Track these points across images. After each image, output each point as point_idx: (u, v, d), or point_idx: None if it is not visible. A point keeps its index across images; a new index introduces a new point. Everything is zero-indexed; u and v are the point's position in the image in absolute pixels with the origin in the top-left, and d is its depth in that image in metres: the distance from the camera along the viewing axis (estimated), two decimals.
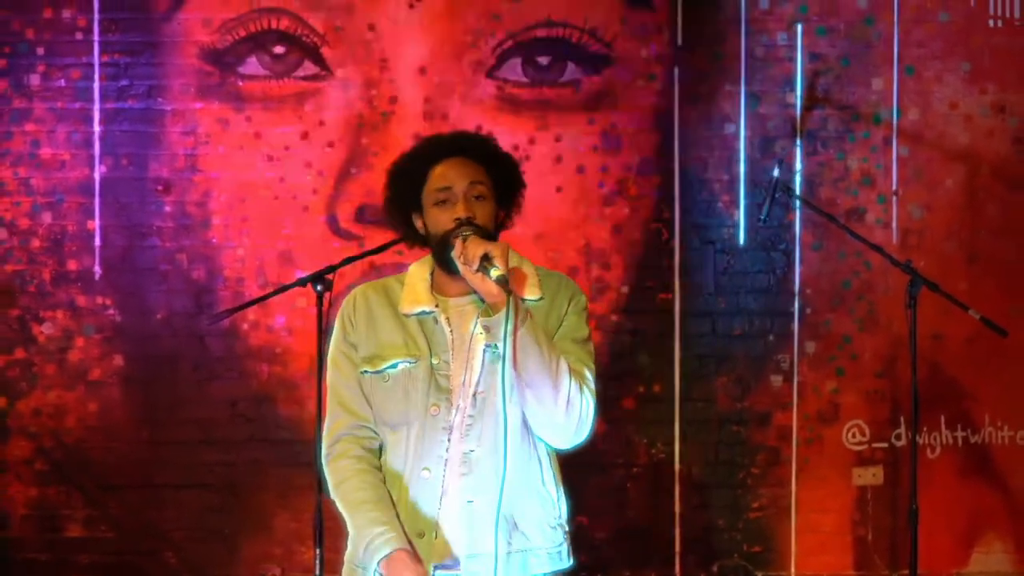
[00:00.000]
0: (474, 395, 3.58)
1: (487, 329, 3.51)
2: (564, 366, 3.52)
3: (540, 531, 3.64)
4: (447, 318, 3.64)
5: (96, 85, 6.80)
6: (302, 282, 5.04)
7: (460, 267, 3.48)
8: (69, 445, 6.82)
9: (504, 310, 3.42)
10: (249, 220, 6.81)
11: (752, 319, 6.85)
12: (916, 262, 5.89)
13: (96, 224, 6.81)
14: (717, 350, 6.86)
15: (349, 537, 3.65)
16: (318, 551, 4.89)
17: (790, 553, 6.83)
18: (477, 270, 3.42)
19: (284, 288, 5.31)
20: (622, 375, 6.81)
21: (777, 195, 5.99)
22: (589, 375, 3.64)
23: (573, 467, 6.96)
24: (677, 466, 6.84)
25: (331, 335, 3.74)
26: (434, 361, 3.61)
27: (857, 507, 6.84)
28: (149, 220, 6.82)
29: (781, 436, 6.84)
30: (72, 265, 6.81)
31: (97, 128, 6.80)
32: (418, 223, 3.69)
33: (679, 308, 6.84)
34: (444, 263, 3.61)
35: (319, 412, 4.74)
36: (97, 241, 6.81)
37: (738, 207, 6.83)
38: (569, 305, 3.72)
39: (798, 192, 6.70)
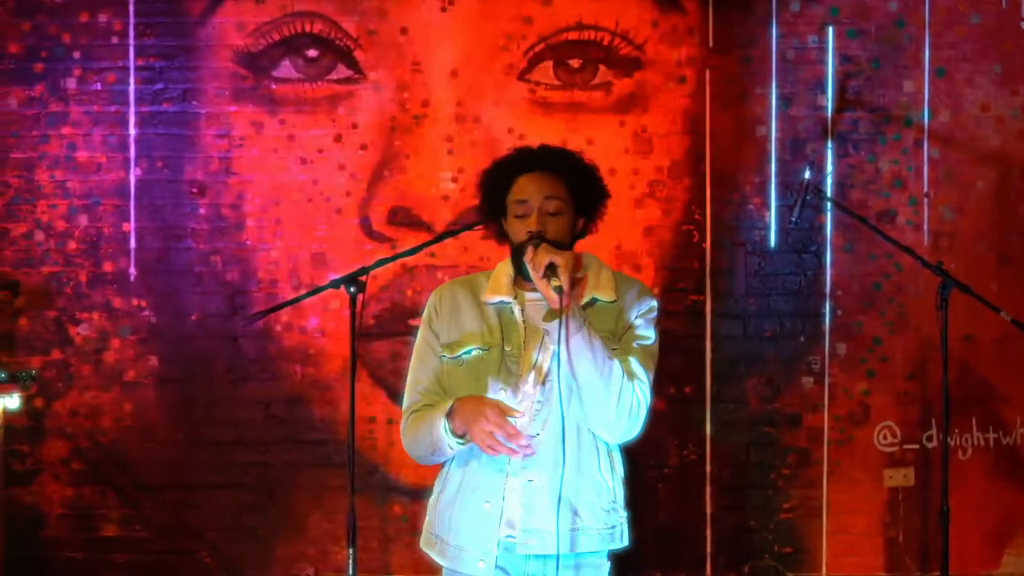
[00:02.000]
0: (542, 383, 3.88)
1: (547, 332, 3.86)
2: (617, 368, 3.84)
3: (593, 513, 3.94)
4: (522, 309, 3.97)
5: (131, 88, 6.85)
6: (335, 284, 5.04)
7: (530, 272, 3.82)
8: (105, 445, 6.88)
9: (559, 319, 3.76)
10: (283, 222, 6.86)
11: (783, 321, 6.87)
12: (947, 264, 5.90)
13: (131, 226, 6.87)
14: (748, 352, 6.88)
15: (428, 504, 4.05)
16: (351, 551, 4.87)
17: (821, 554, 6.84)
18: (543, 276, 3.76)
19: (318, 290, 5.31)
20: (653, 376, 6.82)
21: (808, 197, 6.02)
22: (644, 377, 3.93)
23: None
24: (708, 467, 6.86)
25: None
26: (507, 348, 3.92)
27: (888, 509, 6.86)
28: (184, 222, 6.87)
29: (812, 437, 6.86)
30: (108, 267, 6.87)
31: (132, 131, 6.85)
32: (504, 224, 4.04)
33: (710, 310, 6.86)
34: (518, 268, 3.94)
35: (352, 413, 4.85)
36: (132, 243, 6.87)
37: (769, 209, 6.84)
38: (640, 310, 4.02)
39: (829, 194, 6.69)
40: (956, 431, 6.80)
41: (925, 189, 6.86)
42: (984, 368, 6.83)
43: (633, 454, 6.80)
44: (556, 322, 3.77)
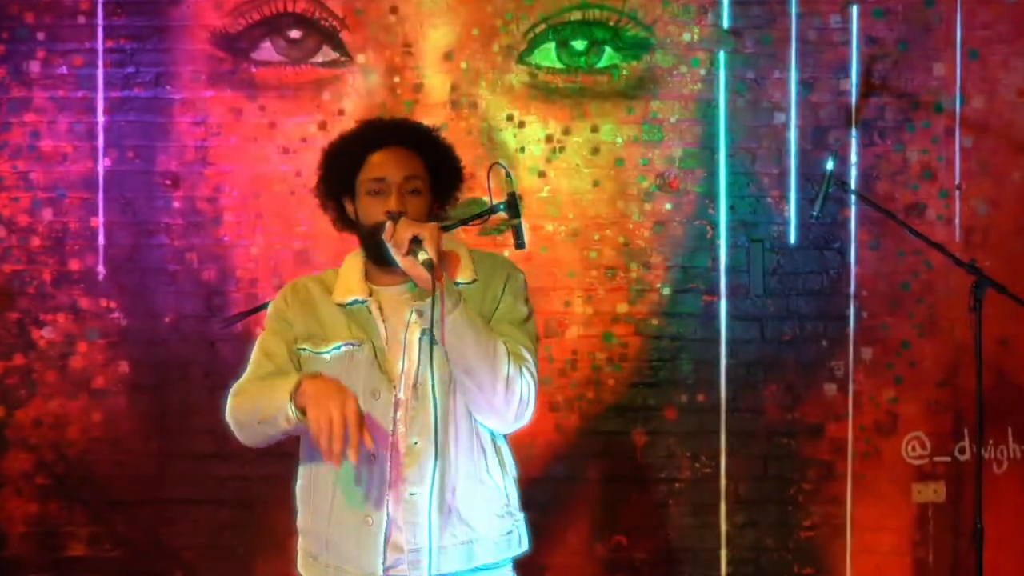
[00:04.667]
0: (414, 386, 3.79)
1: (420, 314, 3.76)
2: (502, 349, 3.74)
3: (486, 521, 3.85)
4: (380, 307, 3.86)
5: (100, 72, 6.84)
6: None
7: (391, 250, 3.69)
8: (71, 458, 6.86)
9: (432, 295, 3.64)
10: (263, 217, 6.84)
11: (804, 323, 6.85)
12: (981, 261, 5.92)
13: (100, 221, 6.85)
14: (766, 356, 6.86)
15: (297, 524, 4.00)
16: None
17: (845, 575, 6.82)
18: (407, 253, 3.64)
19: None
20: (663, 383, 6.81)
21: (831, 190, 5.99)
22: (528, 356, 3.85)
23: (611, 482, 6.99)
24: (723, 481, 6.84)
25: None
26: (377, 345, 3.82)
27: (917, 526, 6.84)
28: (156, 217, 6.85)
29: (835, 449, 6.83)
30: (74, 265, 6.85)
31: (101, 118, 6.84)
32: (349, 208, 3.93)
33: (725, 311, 6.84)
34: (373, 251, 3.84)
35: None
36: (101, 239, 6.85)
37: (789, 203, 6.83)
38: (505, 286, 3.94)
39: (853, 186, 6.69)
40: (990, 442, 6.78)
41: (957, 181, 6.85)
42: (1021, 374, 6.82)
43: (642, 467, 6.81)
44: (427, 302, 3.66)
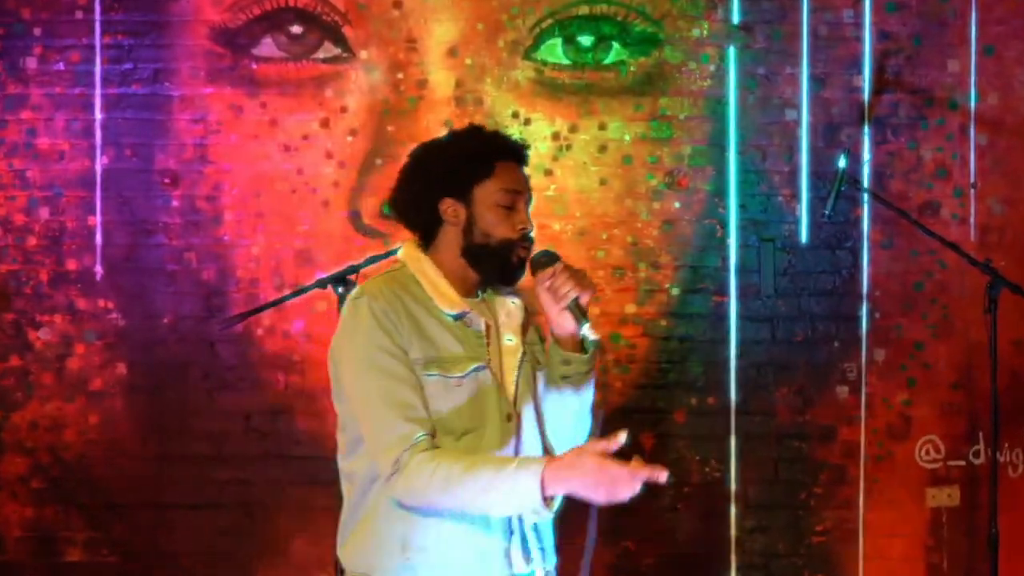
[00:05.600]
0: (515, 404, 3.71)
1: (568, 362, 3.71)
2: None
3: (552, 551, 3.81)
4: (481, 317, 3.72)
5: (97, 69, 6.84)
6: (322, 283, 5.07)
7: (540, 286, 3.65)
8: (68, 461, 6.86)
9: (587, 357, 3.71)
10: (264, 216, 6.84)
11: (815, 324, 6.85)
12: (996, 261, 5.90)
13: (97, 220, 6.85)
14: (777, 358, 6.85)
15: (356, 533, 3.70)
16: None
17: None
18: (564, 308, 3.62)
19: (302, 290, 5.34)
20: (672, 385, 6.81)
21: (843, 188, 5.99)
22: None
23: None
24: (733, 485, 6.83)
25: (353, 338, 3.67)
26: (494, 363, 3.69)
27: (931, 531, 6.84)
28: (155, 216, 6.85)
29: (847, 453, 6.83)
30: (71, 265, 6.85)
31: (98, 115, 6.84)
32: (447, 209, 3.69)
33: (735, 312, 6.83)
34: (491, 266, 3.69)
35: None
36: (98, 239, 6.85)
37: (800, 201, 6.83)
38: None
39: (866, 185, 6.68)
40: (1006, 446, 6.77)
41: (972, 179, 6.85)
42: None
43: None
44: (576, 364, 3.70)
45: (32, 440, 6.86)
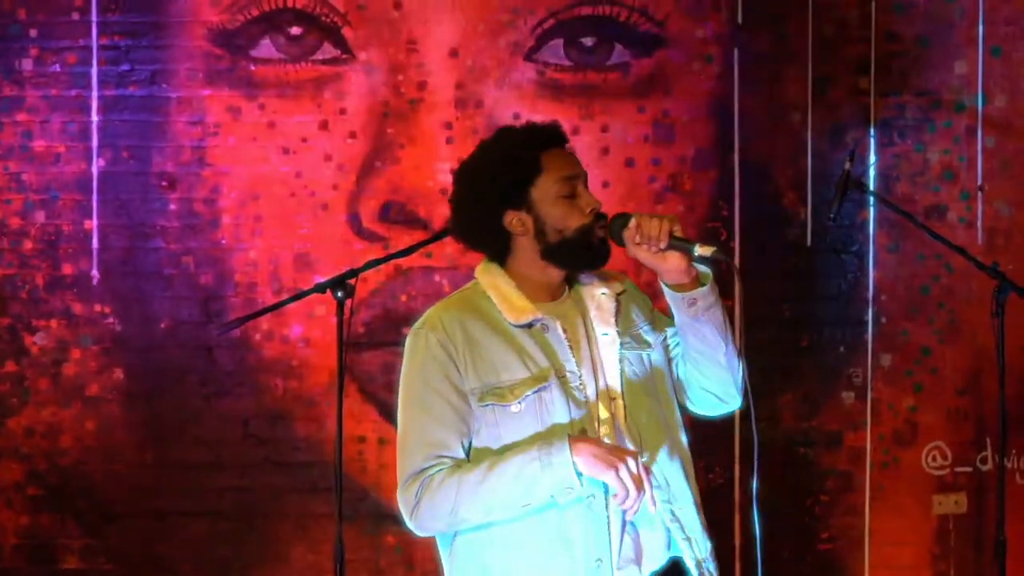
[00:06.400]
0: (611, 400, 3.62)
1: (694, 302, 3.67)
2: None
3: (702, 536, 3.84)
4: (560, 323, 3.63)
5: (94, 70, 6.83)
6: (321, 288, 5.05)
7: (632, 247, 3.58)
8: (64, 468, 6.85)
9: (710, 283, 3.69)
10: (262, 219, 6.83)
11: (821, 329, 6.85)
12: (1003, 265, 5.88)
13: (94, 224, 6.84)
14: (782, 363, 6.85)
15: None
16: None
17: None
18: (667, 248, 3.57)
19: (301, 295, 5.32)
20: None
21: (848, 191, 5.98)
22: None
23: None
24: (737, 492, 6.84)
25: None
26: (562, 376, 3.58)
27: (937, 539, 6.84)
28: (152, 219, 6.84)
29: (853, 459, 6.83)
30: (67, 269, 6.84)
31: (95, 118, 6.83)
32: (511, 222, 3.62)
33: (739, 316, 6.81)
34: (576, 256, 3.64)
35: (339, 432, 4.81)
36: (95, 242, 6.84)
37: (805, 204, 6.84)
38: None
39: (872, 188, 6.69)
40: (1014, 452, 6.79)
41: (979, 182, 6.85)
42: None
43: None
44: (702, 290, 3.68)
45: (28, 446, 6.84)
